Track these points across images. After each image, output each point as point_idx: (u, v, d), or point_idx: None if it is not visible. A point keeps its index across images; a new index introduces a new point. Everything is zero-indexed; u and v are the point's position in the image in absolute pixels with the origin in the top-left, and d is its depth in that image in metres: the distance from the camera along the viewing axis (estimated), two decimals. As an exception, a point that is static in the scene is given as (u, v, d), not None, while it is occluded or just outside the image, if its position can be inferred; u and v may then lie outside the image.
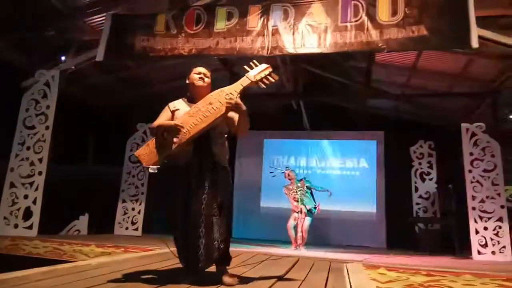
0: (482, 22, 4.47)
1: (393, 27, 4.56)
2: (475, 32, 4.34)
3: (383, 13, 4.63)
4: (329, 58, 6.61)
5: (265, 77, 2.45)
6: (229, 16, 5.09)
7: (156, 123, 2.46)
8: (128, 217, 7.12)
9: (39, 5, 5.48)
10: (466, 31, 4.35)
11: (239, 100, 2.40)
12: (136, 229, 7.02)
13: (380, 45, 4.60)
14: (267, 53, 4.87)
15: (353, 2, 4.77)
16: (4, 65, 6.27)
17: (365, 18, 4.68)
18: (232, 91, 2.42)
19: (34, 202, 5.30)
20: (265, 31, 4.94)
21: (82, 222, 6.41)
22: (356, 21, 4.71)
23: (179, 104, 2.55)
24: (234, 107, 2.39)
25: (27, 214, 5.28)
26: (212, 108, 2.39)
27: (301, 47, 4.83)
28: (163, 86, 7.81)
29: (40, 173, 5.39)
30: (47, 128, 5.51)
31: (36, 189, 5.34)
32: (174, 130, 2.34)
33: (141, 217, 7.08)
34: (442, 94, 7.35)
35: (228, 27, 5.07)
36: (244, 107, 2.42)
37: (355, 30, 4.67)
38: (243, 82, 2.45)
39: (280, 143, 9.53)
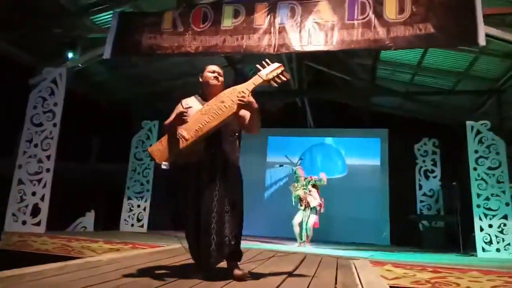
0: (489, 20, 4.47)
1: (400, 25, 4.57)
2: (483, 30, 4.34)
3: (390, 10, 4.63)
4: (334, 55, 6.62)
5: (277, 76, 2.45)
6: (236, 14, 5.09)
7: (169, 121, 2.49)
8: (134, 214, 7.17)
9: (46, 3, 5.51)
10: (473, 29, 4.35)
11: (251, 98, 2.41)
12: (142, 226, 7.07)
13: (387, 43, 4.60)
14: (274, 51, 4.87)
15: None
16: (11, 63, 6.29)
17: (372, 15, 4.68)
18: (244, 89, 2.43)
19: (42, 199, 5.34)
20: (272, 28, 4.94)
21: (88, 219, 6.46)
22: (363, 18, 4.71)
23: (192, 102, 2.57)
24: (246, 105, 2.41)
25: (35, 211, 5.32)
26: (224, 106, 2.40)
27: (307, 45, 4.84)
28: (168, 84, 7.85)
29: (48, 170, 5.41)
30: (54, 125, 5.53)
31: (44, 186, 5.37)
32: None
33: (146, 214, 7.13)
34: (447, 92, 7.36)
35: (234, 24, 5.07)
36: (256, 105, 2.44)
37: (362, 28, 4.68)
38: (255, 80, 2.46)
39: (284, 140, 9.55)
